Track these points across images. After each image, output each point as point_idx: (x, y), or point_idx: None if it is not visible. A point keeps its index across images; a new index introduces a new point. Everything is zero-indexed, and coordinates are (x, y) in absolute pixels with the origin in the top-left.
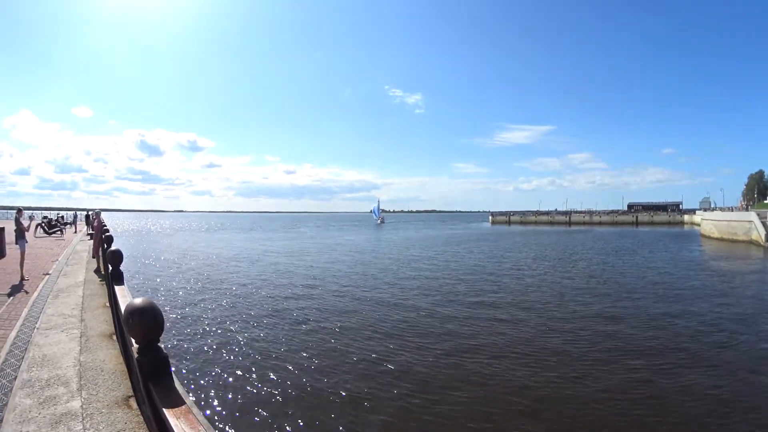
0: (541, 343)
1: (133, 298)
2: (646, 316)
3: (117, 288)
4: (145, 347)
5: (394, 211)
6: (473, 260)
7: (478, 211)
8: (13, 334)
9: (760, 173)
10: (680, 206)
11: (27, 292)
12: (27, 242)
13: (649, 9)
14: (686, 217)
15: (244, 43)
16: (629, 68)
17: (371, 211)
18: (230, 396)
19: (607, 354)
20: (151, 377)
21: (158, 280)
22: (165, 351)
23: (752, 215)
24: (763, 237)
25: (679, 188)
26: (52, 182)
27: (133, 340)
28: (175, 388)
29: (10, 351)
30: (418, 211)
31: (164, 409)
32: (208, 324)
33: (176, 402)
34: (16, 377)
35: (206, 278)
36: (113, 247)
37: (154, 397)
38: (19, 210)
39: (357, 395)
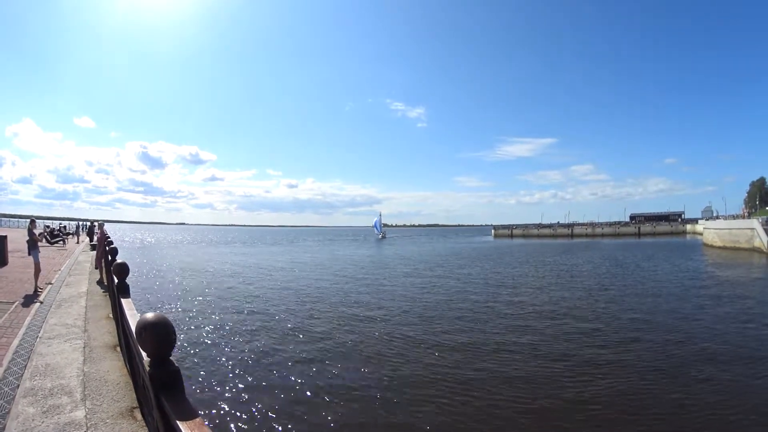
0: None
1: (142, 311)
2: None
3: (123, 300)
4: (156, 361)
5: (396, 225)
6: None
7: (481, 225)
8: (16, 342)
9: (762, 180)
10: (682, 216)
11: (33, 302)
12: (40, 252)
13: (647, 19)
14: (688, 227)
15: (246, 57)
16: (629, 79)
17: (373, 226)
18: (237, 412)
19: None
20: (162, 390)
21: (161, 291)
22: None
23: (754, 222)
24: (765, 244)
25: (681, 198)
26: (54, 192)
27: (144, 354)
28: (187, 401)
29: (13, 359)
30: (420, 225)
31: (178, 422)
32: (212, 337)
33: (189, 415)
34: (18, 385)
35: (210, 291)
36: (119, 260)
37: (166, 409)
38: (32, 220)
39: (369, 412)
